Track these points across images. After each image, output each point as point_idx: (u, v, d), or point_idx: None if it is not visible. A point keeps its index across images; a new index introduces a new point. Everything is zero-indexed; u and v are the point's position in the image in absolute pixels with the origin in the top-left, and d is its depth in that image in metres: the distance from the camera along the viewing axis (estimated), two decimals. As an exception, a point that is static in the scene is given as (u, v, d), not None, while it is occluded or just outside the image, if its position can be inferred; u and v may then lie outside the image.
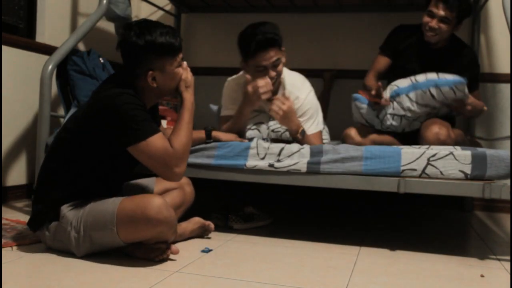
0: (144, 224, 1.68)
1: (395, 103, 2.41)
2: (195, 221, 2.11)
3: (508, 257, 2.03)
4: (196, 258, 1.83)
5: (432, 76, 2.36)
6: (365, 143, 2.44)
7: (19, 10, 2.93)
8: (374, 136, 2.52)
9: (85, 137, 1.75)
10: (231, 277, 1.62)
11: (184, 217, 2.12)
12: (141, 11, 3.77)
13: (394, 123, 2.43)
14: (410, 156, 2.04)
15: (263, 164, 2.14)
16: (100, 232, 1.71)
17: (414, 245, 2.18)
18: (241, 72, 2.45)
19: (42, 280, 1.53)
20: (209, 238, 2.14)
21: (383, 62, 2.72)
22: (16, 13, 2.90)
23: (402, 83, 2.42)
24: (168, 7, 3.67)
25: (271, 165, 2.13)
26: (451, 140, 2.30)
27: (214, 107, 2.82)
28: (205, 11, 3.68)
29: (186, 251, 1.90)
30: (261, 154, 2.17)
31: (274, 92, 2.35)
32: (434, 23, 2.51)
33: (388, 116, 2.43)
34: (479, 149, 2.07)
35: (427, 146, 2.11)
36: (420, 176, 2.02)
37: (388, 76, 2.70)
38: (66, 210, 1.77)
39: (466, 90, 2.34)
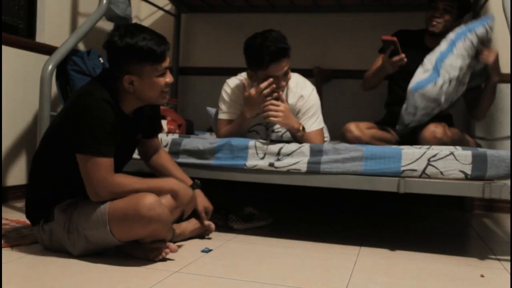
0: (137, 221, 1.67)
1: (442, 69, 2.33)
2: (196, 222, 2.11)
3: (508, 257, 2.03)
4: (196, 258, 1.83)
5: (458, 29, 2.37)
6: (364, 137, 2.44)
7: (19, 10, 2.93)
8: (374, 131, 2.52)
9: (61, 134, 1.75)
10: (231, 277, 1.62)
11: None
12: (141, 11, 3.77)
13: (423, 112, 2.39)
14: (411, 156, 2.04)
15: (263, 163, 2.14)
16: (94, 230, 1.71)
17: (414, 245, 2.18)
18: (240, 74, 2.44)
19: (42, 280, 1.53)
20: (209, 238, 2.14)
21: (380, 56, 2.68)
22: (16, 13, 2.90)
23: (441, 47, 2.39)
24: (168, 7, 3.67)
25: (271, 165, 2.13)
26: (448, 137, 2.30)
27: (212, 110, 2.81)
28: (205, 11, 3.68)
29: (186, 251, 1.90)
30: (260, 154, 2.17)
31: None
32: (438, 13, 2.55)
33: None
34: (480, 149, 2.07)
35: (427, 147, 2.11)
36: (420, 177, 2.03)
37: (388, 77, 2.69)
38: (59, 209, 1.77)
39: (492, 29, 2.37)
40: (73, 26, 3.16)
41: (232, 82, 2.44)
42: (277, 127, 2.41)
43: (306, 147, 2.14)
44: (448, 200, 3.27)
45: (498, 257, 2.04)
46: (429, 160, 2.02)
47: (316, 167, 2.09)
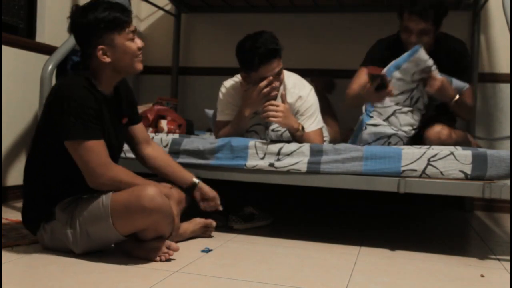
0: (139, 213, 1.68)
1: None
2: (196, 222, 2.11)
3: (508, 257, 2.03)
4: (196, 258, 1.83)
5: (391, 63, 2.31)
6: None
7: (19, 10, 2.93)
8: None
9: (47, 130, 1.76)
10: (231, 277, 1.62)
11: (185, 218, 2.12)
12: (141, 11, 3.78)
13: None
14: (411, 156, 2.04)
15: (263, 163, 2.15)
16: (96, 225, 1.71)
17: (414, 245, 2.18)
18: (236, 76, 2.45)
19: (42, 280, 1.53)
20: (211, 237, 2.14)
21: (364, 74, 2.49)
22: (16, 13, 2.90)
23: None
24: (168, 7, 3.67)
25: (271, 165, 2.13)
26: (452, 140, 2.30)
27: (209, 112, 2.81)
28: (205, 11, 3.68)
29: (186, 251, 1.90)
30: (260, 154, 2.17)
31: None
32: (414, 38, 2.38)
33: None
34: (480, 149, 2.07)
35: (427, 147, 2.11)
36: (420, 177, 2.02)
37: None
38: (60, 208, 1.77)
39: (425, 57, 2.25)
40: (73, 26, 3.16)
41: (228, 83, 2.46)
42: (276, 126, 2.41)
43: (306, 147, 2.14)
44: (448, 200, 3.27)
45: (498, 257, 2.04)
46: (429, 160, 2.02)
47: (316, 167, 2.09)
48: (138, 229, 1.74)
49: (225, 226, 2.35)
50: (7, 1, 2.84)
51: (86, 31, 1.76)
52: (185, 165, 2.21)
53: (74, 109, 1.68)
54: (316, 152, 2.12)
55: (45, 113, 1.78)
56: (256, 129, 2.43)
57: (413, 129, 2.36)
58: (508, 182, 1.98)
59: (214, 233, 2.18)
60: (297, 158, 2.13)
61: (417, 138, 2.42)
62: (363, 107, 2.40)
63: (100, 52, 1.75)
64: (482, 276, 1.76)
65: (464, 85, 2.38)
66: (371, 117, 2.35)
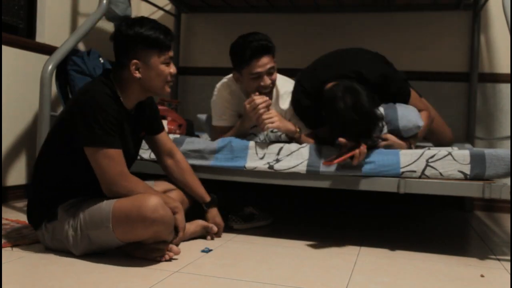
0: (140, 223, 1.68)
1: None
2: (197, 224, 2.11)
3: (508, 257, 2.03)
4: (196, 258, 1.83)
5: None
6: None
7: (19, 10, 2.93)
8: None
9: (65, 132, 1.77)
10: (231, 277, 1.62)
11: (188, 219, 2.11)
12: (141, 11, 3.77)
13: None
14: (409, 157, 2.04)
15: (262, 164, 2.15)
16: (97, 230, 1.71)
17: (414, 245, 2.18)
18: (226, 77, 2.46)
19: (42, 280, 1.53)
20: (212, 239, 2.13)
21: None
22: (16, 13, 2.90)
23: None
24: (168, 7, 3.68)
25: (270, 167, 2.13)
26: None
27: (202, 117, 2.77)
28: (205, 11, 3.68)
29: (186, 251, 1.90)
30: (260, 154, 2.17)
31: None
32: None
33: None
34: (478, 149, 2.08)
35: (427, 147, 2.11)
36: (420, 177, 2.02)
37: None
38: (63, 209, 1.78)
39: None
40: (73, 26, 3.16)
41: (222, 86, 2.48)
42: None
43: (305, 148, 2.15)
44: (448, 200, 3.27)
45: (498, 257, 2.04)
46: (427, 161, 2.02)
47: (316, 168, 2.09)
48: (139, 238, 1.74)
49: (225, 226, 2.35)
50: (7, 1, 2.84)
51: (127, 42, 1.78)
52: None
53: (96, 115, 1.69)
54: (315, 153, 2.12)
55: (65, 115, 1.78)
56: (255, 131, 2.43)
57: None
58: (508, 182, 1.98)
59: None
60: (296, 160, 2.13)
61: None
62: None
63: (134, 66, 1.78)
64: (482, 276, 1.76)
65: (416, 125, 2.23)
66: None
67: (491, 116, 3.21)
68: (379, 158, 2.06)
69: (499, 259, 2.01)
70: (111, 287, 1.48)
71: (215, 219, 2.15)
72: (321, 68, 2.33)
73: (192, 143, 2.27)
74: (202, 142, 2.27)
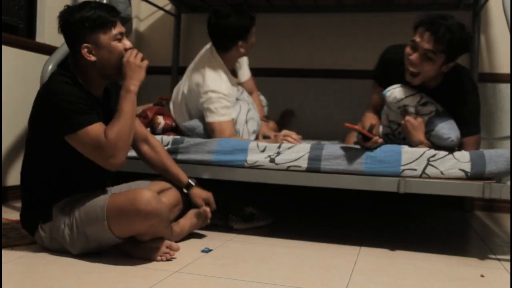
0: (134, 216, 1.68)
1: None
2: (191, 215, 2.09)
3: (508, 257, 2.03)
4: (196, 258, 1.83)
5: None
6: None
7: (19, 10, 2.93)
8: None
9: (40, 129, 1.77)
10: (231, 277, 1.62)
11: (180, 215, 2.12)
12: (141, 11, 3.78)
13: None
14: (410, 156, 2.04)
15: (263, 158, 2.15)
16: (93, 227, 1.71)
17: (414, 245, 2.18)
18: (215, 71, 2.49)
19: (42, 280, 1.53)
20: (208, 223, 2.12)
21: (379, 95, 2.36)
22: (16, 13, 2.90)
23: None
24: (168, 7, 3.67)
25: (271, 160, 2.14)
26: None
27: (189, 125, 2.47)
28: (205, 11, 3.66)
29: (186, 251, 1.90)
30: (261, 146, 2.18)
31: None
32: (415, 57, 2.12)
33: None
34: (477, 150, 2.09)
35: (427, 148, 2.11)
36: (420, 177, 2.03)
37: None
38: (58, 208, 1.77)
39: (395, 99, 2.19)
40: (73, 26, 3.16)
41: (215, 81, 2.47)
42: None
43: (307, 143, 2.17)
44: (448, 200, 3.27)
45: (498, 257, 2.04)
46: (428, 160, 2.02)
47: (317, 163, 2.09)
48: (135, 232, 1.74)
49: (225, 226, 2.35)
50: (7, 1, 2.84)
51: (72, 29, 1.78)
52: (186, 162, 2.22)
53: (64, 103, 1.69)
54: (316, 147, 2.13)
55: (34, 113, 1.79)
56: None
57: None
58: (508, 182, 1.98)
59: (214, 233, 2.18)
60: (297, 153, 2.13)
61: None
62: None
63: (85, 50, 1.77)
64: (482, 276, 1.76)
65: (449, 137, 2.14)
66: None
67: (491, 116, 3.21)
68: (381, 154, 2.06)
69: (499, 259, 2.01)
70: (111, 287, 1.48)
71: (201, 195, 2.12)
72: None
73: (192, 139, 2.29)
74: (203, 139, 2.29)
